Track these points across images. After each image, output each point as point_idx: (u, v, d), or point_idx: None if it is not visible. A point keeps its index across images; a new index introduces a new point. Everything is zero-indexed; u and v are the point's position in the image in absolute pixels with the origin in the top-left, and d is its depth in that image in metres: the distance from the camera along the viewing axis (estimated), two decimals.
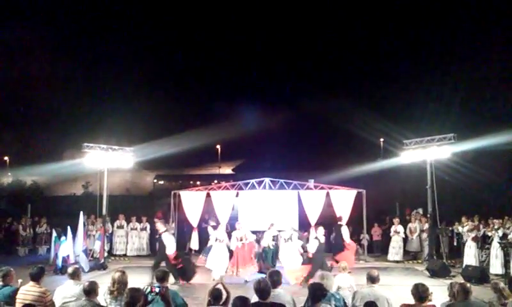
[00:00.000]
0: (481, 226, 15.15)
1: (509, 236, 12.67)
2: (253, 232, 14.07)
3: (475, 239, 14.21)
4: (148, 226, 17.55)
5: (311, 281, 8.52)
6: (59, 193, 41.52)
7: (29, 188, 38.20)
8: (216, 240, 13.01)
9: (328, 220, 17.56)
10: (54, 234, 14.49)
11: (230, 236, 13.25)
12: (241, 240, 12.82)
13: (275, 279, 5.83)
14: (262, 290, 5.19)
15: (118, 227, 17.34)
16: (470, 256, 14.00)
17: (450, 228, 16.00)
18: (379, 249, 17.33)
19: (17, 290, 6.32)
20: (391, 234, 16.15)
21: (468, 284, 5.91)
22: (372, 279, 6.41)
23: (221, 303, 5.78)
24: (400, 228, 16.10)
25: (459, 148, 14.95)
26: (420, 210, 17.73)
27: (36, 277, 6.35)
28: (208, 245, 13.39)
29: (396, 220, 16.33)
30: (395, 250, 15.93)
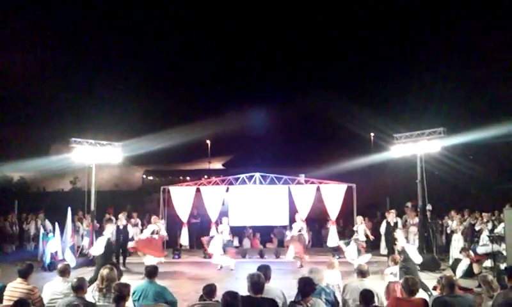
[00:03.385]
0: (469, 219, 15.26)
1: (497, 230, 12.77)
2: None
3: (463, 233, 14.33)
4: (140, 222, 17.44)
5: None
6: (47, 189, 41.11)
7: (16, 184, 37.81)
8: (217, 232, 14.03)
9: (319, 215, 17.64)
10: (42, 230, 14.35)
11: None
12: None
13: (265, 273, 5.81)
14: (259, 284, 5.16)
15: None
16: (458, 249, 14.09)
17: (440, 222, 16.09)
18: (369, 243, 17.34)
19: (4, 287, 6.24)
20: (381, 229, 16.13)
21: (454, 277, 5.99)
22: (362, 273, 6.52)
23: (213, 299, 5.75)
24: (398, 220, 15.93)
25: (449, 142, 15.00)
26: (409, 204, 17.77)
27: (25, 274, 6.27)
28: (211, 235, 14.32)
29: (392, 213, 15.43)
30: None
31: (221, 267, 13.30)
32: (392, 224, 13.73)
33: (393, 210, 15.41)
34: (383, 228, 15.03)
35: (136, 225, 17.45)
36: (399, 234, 13.39)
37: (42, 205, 19.72)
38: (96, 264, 10.70)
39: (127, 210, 18.48)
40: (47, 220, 16.86)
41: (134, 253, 14.10)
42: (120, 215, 14.67)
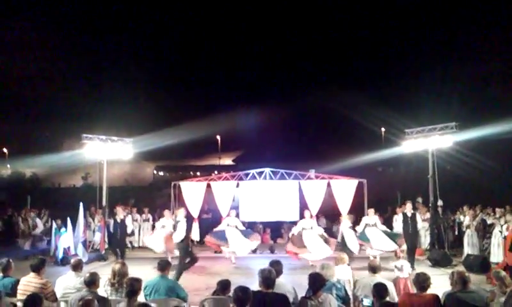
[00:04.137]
0: (481, 214, 15.13)
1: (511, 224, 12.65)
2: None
3: (476, 228, 14.22)
4: (151, 217, 17.57)
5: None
6: (60, 185, 41.50)
7: (28, 179, 38.20)
8: (228, 225, 14.03)
9: (330, 211, 17.57)
10: (54, 226, 14.48)
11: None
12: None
13: (276, 268, 5.83)
14: (270, 279, 5.17)
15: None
16: (471, 245, 14.00)
17: (452, 218, 15.97)
18: None
19: (18, 281, 6.32)
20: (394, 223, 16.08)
21: (467, 273, 5.93)
22: (374, 269, 6.51)
23: (226, 294, 5.79)
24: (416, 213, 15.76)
25: (461, 137, 14.85)
26: (420, 200, 17.65)
27: (37, 269, 6.36)
28: (220, 228, 14.25)
29: (409, 204, 14.20)
30: None
31: (234, 262, 13.60)
32: (409, 215, 13.21)
33: (409, 202, 14.58)
34: (399, 221, 14.21)
35: (146, 220, 17.62)
36: (344, 219, 13.57)
37: (52, 201, 19.97)
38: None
39: (130, 204, 18.65)
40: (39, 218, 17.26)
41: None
42: (118, 208, 14.13)
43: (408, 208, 13.37)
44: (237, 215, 15.17)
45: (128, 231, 14.22)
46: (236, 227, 14.02)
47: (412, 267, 10.39)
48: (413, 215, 13.16)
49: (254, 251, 15.49)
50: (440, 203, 15.78)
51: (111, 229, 13.51)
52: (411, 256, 12.12)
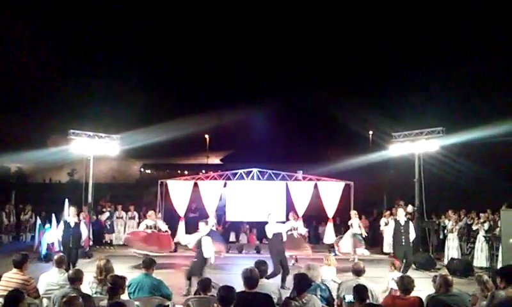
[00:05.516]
0: (465, 219, 15.31)
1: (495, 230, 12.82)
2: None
3: (459, 232, 14.39)
4: (137, 215, 17.47)
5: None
6: (45, 180, 41.07)
7: (13, 174, 37.73)
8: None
9: (316, 212, 17.64)
10: (39, 221, 14.34)
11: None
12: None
13: (262, 268, 5.84)
14: (252, 278, 5.17)
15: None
16: (453, 248, 14.13)
17: (437, 221, 16.12)
18: (369, 241, 17.35)
19: (0, 277, 6.23)
20: (381, 227, 16.18)
21: (450, 277, 6.01)
22: (357, 272, 6.56)
23: (208, 294, 5.77)
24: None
25: (447, 141, 15.03)
26: (402, 203, 17.69)
27: (20, 265, 6.28)
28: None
29: (401, 212, 12.67)
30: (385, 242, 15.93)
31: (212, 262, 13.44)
32: (402, 223, 11.43)
33: (402, 207, 13.85)
34: (390, 227, 12.02)
35: (132, 218, 17.52)
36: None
37: (37, 197, 19.77)
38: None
39: (105, 200, 18.45)
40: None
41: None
42: (71, 209, 11.78)
43: (401, 215, 11.74)
44: (220, 217, 15.47)
45: (83, 238, 12.08)
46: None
47: None
48: (407, 223, 11.54)
49: (240, 251, 15.56)
50: (409, 209, 15.95)
51: (61, 234, 11.45)
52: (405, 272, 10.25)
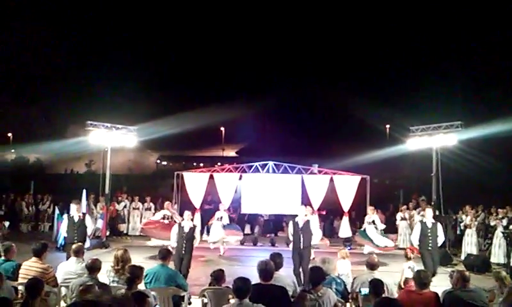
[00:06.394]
0: (483, 214, 15.12)
1: None
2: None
3: (477, 228, 14.23)
4: (153, 206, 17.63)
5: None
6: (62, 171, 41.64)
7: (32, 165, 38.29)
8: (218, 218, 14.24)
9: (332, 206, 17.57)
10: (57, 211, 14.53)
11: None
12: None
13: (277, 261, 5.84)
14: (267, 271, 5.17)
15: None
16: (470, 244, 13.98)
17: (454, 217, 15.93)
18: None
19: (20, 265, 6.35)
20: (397, 221, 16.13)
21: (467, 272, 5.96)
22: (372, 266, 6.54)
23: (222, 284, 5.80)
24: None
25: (465, 136, 14.79)
26: (423, 198, 17.60)
27: (39, 253, 6.38)
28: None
29: (429, 212, 11.22)
30: (402, 237, 15.90)
31: (224, 253, 13.89)
32: (430, 225, 10.12)
33: (429, 208, 11.79)
34: (416, 230, 10.33)
35: (148, 209, 17.70)
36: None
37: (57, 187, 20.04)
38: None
39: (122, 191, 18.63)
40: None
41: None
42: (73, 204, 10.74)
43: (428, 216, 10.43)
44: (235, 209, 15.82)
45: (88, 232, 10.91)
46: (221, 218, 14.19)
47: None
48: (434, 225, 10.19)
49: (255, 244, 15.67)
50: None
51: (66, 229, 10.64)
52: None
